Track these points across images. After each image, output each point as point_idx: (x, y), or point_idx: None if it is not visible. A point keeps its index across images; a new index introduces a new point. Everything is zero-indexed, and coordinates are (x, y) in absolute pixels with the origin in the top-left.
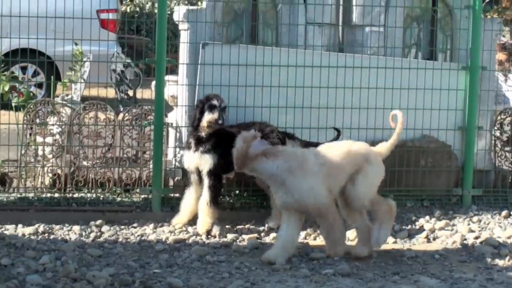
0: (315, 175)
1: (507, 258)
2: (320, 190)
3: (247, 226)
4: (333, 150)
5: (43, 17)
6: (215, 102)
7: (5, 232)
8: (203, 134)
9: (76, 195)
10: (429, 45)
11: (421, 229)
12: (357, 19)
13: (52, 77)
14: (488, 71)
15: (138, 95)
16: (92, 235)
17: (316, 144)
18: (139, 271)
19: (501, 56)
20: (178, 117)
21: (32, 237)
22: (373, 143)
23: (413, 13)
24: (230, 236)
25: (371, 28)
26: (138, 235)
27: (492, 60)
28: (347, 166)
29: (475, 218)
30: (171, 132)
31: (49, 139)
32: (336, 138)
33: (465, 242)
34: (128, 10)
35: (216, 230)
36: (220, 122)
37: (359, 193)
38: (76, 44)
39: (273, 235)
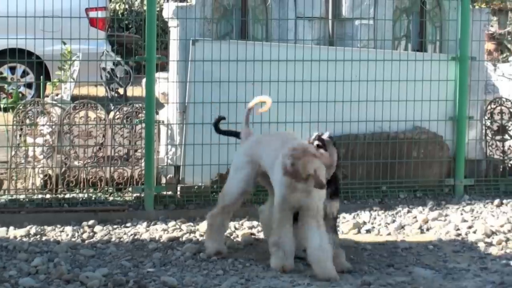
0: None
1: (500, 246)
2: None
3: (241, 222)
4: None
5: (32, 16)
6: None
7: None
8: None
9: (67, 196)
10: (418, 37)
11: (415, 220)
12: (346, 12)
13: (41, 77)
14: (478, 61)
15: (129, 93)
16: (85, 236)
17: None
18: (132, 271)
19: (490, 46)
20: (169, 114)
21: (24, 239)
22: (365, 136)
23: (402, 5)
24: None
25: (360, 21)
26: (131, 234)
27: (481, 50)
28: None
29: (467, 208)
30: (163, 129)
31: (39, 140)
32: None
33: (458, 232)
34: (117, 8)
35: None
36: None
37: None
38: (65, 43)
39: None
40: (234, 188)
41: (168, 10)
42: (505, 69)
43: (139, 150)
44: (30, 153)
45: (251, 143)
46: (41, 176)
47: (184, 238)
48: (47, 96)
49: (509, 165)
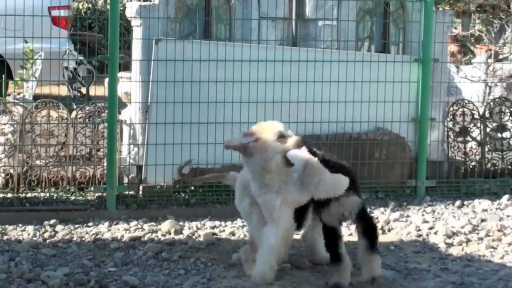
0: None
1: (461, 247)
2: None
3: (203, 222)
4: None
5: None
6: None
7: None
8: None
9: (29, 195)
10: (381, 38)
11: (376, 221)
12: (310, 13)
13: (3, 75)
14: (440, 63)
15: (91, 93)
16: (46, 235)
17: None
18: (94, 270)
19: (453, 48)
20: (131, 114)
21: None
22: (327, 136)
23: (366, 6)
24: (185, 232)
25: (324, 22)
26: (93, 234)
27: (444, 52)
28: None
29: (429, 209)
30: (125, 129)
31: (1, 139)
32: None
33: (419, 232)
34: (80, 7)
35: None
36: None
37: None
38: (27, 42)
39: (229, 230)
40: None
41: (131, 9)
42: (467, 71)
43: (101, 150)
44: None
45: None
46: (3, 175)
47: (146, 238)
48: (9, 95)
49: (471, 167)
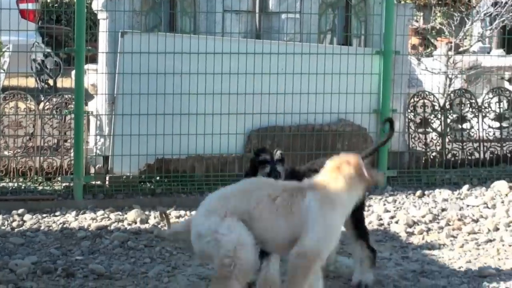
0: None
1: (421, 236)
2: None
3: (168, 211)
4: None
5: None
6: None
7: None
8: None
9: None
10: (344, 31)
11: None
12: (273, 6)
13: None
14: (401, 56)
15: (59, 84)
16: (14, 224)
17: None
18: (61, 259)
19: (414, 40)
20: (98, 105)
21: None
22: (290, 128)
23: None
24: (151, 222)
25: (287, 15)
26: (60, 223)
27: (405, 44)
28: None
29: (390, 199)
30: (92, 120)
31: None
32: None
33: (381, 222)
34: (48, 0)
35: None
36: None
37: None
38: None
39: None
40: None
41: (97, 2)
42: (428, 63)
43: (69, 141)
44: None
45: None
46: None
47: (112, 227)
48: None
49: (431, 157)
